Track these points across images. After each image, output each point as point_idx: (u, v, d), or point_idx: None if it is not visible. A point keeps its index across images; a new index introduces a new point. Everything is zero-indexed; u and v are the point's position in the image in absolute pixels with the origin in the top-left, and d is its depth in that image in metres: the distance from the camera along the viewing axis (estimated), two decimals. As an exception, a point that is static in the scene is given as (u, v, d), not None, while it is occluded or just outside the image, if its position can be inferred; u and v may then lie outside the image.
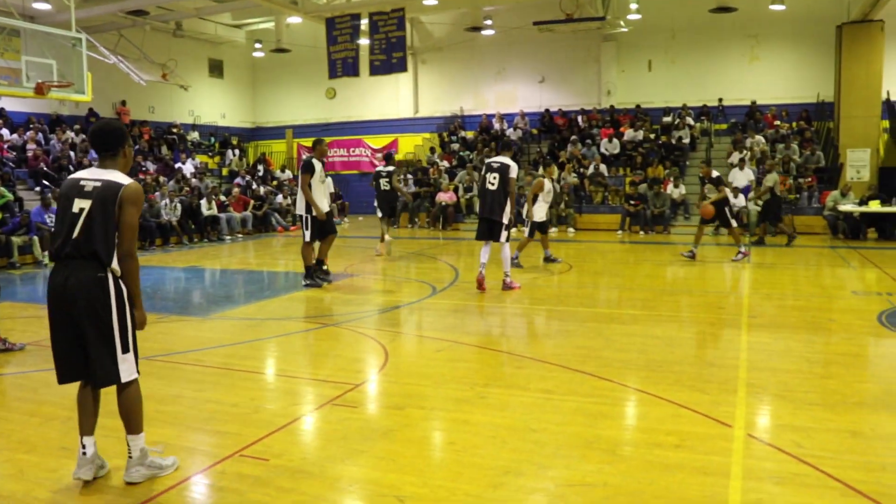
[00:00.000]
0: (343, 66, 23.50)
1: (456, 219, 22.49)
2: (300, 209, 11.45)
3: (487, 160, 11.22)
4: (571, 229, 20.78)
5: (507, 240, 10.87)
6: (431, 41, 29.30)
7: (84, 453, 4.36)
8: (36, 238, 15.77)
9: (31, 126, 22.28)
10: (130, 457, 4.42)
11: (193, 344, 8.07)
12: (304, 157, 13.68)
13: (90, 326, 4.18)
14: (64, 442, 5.09)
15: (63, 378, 4.38)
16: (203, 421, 5.45)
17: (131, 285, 4.33)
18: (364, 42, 23.54)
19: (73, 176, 4.40)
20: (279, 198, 24.25)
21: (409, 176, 24.92)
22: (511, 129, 26.74)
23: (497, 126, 27.24)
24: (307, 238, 11.42)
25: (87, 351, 4.24)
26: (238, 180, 24.42)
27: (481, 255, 10.94)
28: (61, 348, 4.31)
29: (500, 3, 25.18)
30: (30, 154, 20.74)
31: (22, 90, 13.52)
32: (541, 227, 13.93)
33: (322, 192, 11.39)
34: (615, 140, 24.16)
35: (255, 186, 24.45)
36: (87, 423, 4.43)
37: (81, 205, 4.18)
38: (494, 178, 10.65)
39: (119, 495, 4.23)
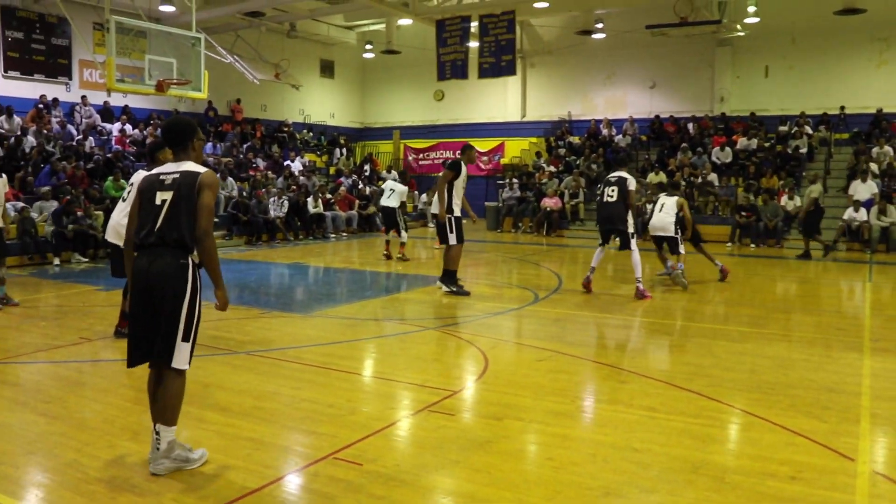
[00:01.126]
0: (452, 69, 23.51)
1: (561, 225, 22.16)
2: (435, 209, 11.19)
3: (607, 177, 11.42)
4: (679, 239, 20.17)
5: (632, 247, 11.06)
6: (541, 44, 29.01)
7: (156, 446, 4.48)
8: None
9: (152, 122, 23.15)
10: (157, 448, 4.44)
11: (293, 341, 8.13)
12: (450, 160, 13.56)
13: (163, 309, 4.36)
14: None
15: (131, 358, 4.51)
16: (299, 420, 5.43)
17: (211, 264, 4.43)
18: (473, 44, 23.48)
19: (151, 172, 4.66)
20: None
21: (515, 180, 24.70)
22: (619, 136, 26.21)
23: (605, 132, 26.74)
24: (453, 241, 11.06)
25: (154, 328, 4.40)
26: (344, 179, 24.74)
27: (594, 259, 11.33)
28: (137, 331, 4.46)
29: (613, 6, 24.74)
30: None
31: (144, 87, 14.03)
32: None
33: (458, 197, 11.11)
34: (727, 148, 23.33)
35: (360, 186, 24.72)
36: (159, 411, 4.53)
37: (164, 196, 4.40)
38: (613, 190, 10.93)
39: (211, 491, 4.23)
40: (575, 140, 27.17)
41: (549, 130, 28.70)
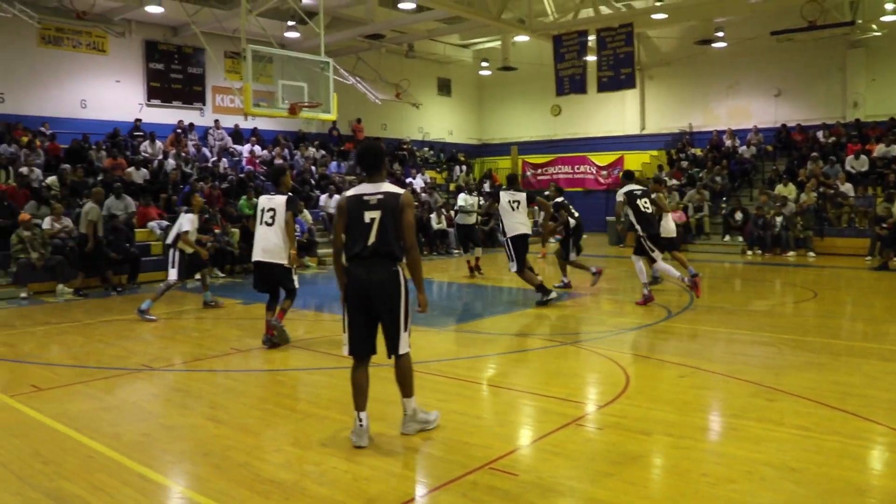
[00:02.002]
0: (570, 83, 23.53)
1: (685, 239, 21.74)
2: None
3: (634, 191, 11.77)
4: (811, 253, 19.45)
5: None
6: (659, 56, 28.64)
7: (361, 425, 5.28)
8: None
9: (279, 143, 24.09)
10: (405, 414, 5.45)
11: (434, 354, 8.33)
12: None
13: (384, 310, 5.25)
14: (323, 438, 5.41)
15: (353, 351, 5.35)
16: (451, 431, 5.58)
17: (416, 272, 5.33)
18: (591, 58, 23.44)
19: (352, 193, 5.30)
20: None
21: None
22: (743, 146, 25.53)
23: (728, 143, 26.10)
24: (513, 268, 11.77)
25: (375, 331, 5.34)
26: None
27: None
28: (357, 328, 5.30)
29: (734, 14, 24.17)
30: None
31: (278, 111, 14.65)
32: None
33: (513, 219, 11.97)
34: (863, 156, 22.31)
35: (481, 202, 24.90)
36: (361, 400, 5.33)
37: (371, 215, 5.15)
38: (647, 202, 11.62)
39: (375, 495, 4.42)
40: (697, 152, 26.62)
41: (670, 143, 28.24)
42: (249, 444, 5.32)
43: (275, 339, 8.66)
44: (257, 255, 8.71)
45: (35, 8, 19.29)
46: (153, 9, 20.29)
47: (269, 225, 8.69)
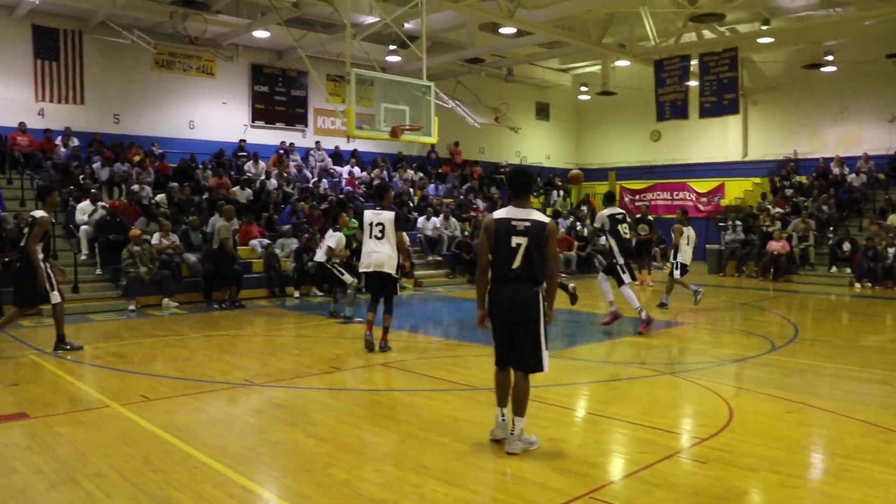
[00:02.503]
0: (672, 109, 23.20)
1: (789, 269, 21.04)
2: None
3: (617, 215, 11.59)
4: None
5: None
6: (763, 80, 27.91)
7: (503, 419, 5.77)
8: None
9: (378, 165, 24.48)
10: (513, 433, 5.59)
11: (531, 380, 8.24)
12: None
13: (525, 329, 5.56)
14: (422, 460, 5.41)
15: (499, 363, 5.76)
16: (551, 457, 5.51)
17: (552, 296, 5.73)
18: (693, 83, 23.06)
19: (500, 216, 5.58)
20: (602, 239, 24.28)
21: (738, 222, 23.78)
22: (852, 174, 24.55)
23: (836, 170, 25.15)
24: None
25: (516, 346, 5.62)
26: (562, 221, 24.89)
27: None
28: (501, 344, 5.68)
29: (845, 37, 23.43)
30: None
31: (380, 133, 14.89)
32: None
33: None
34: None
35: (578, 227, 24.74)
36: (504, 398, 5.76)
37: (518, 241, 5.47)
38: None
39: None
40: (802, 180, 25.74)
41: (774, 170, 27.40)
42: (350, 463, 5.37)
43: (385, 347, 9.77)
44: (367, 267, 9.57)
45: (151, 34, 20.24)
46: (260, 33, 21.03)
47: (378, 238, 9.50)
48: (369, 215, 9.64)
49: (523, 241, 5.44)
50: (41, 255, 9.44)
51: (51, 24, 19.89)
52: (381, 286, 9.66)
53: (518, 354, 5.61)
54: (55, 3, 18.46)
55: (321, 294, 16.37)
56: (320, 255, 13.55)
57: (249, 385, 7.91)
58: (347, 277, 13.15)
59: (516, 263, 5.46)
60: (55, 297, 9.58)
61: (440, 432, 6.09)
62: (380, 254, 9.47)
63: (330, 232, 13.69)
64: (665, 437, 6.15)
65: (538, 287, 5.57)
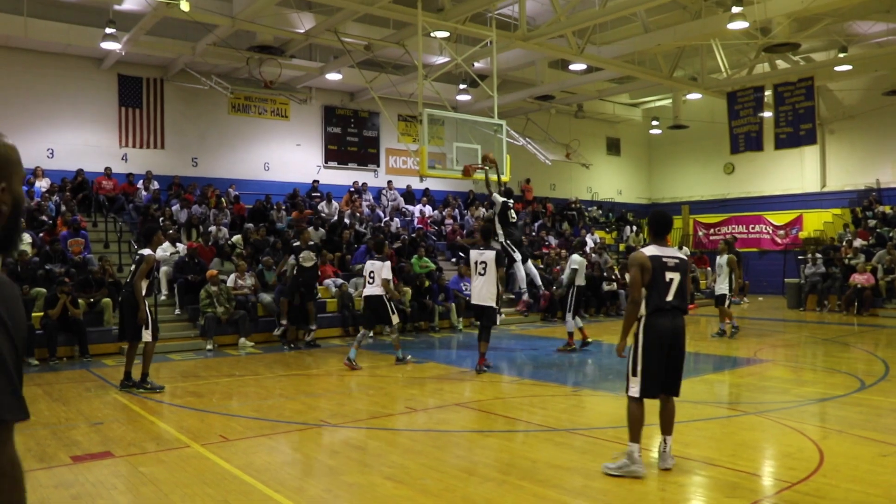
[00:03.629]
0: (745, 141, 22.79)
1: (874, 303, 20.28)
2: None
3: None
4: None
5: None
6: (841, 109, 27.23)
7: (664, 450, 6.10)
8: (453, 305, 17.20)
9: (450, 203, 24.59)
10: (664, 451, 6.11)
11: (610, 420, 8.08)
12: None
13: (681, 355, 6.11)
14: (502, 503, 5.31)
15: (647, 393, 5.99)
16: (633, 502, 5.35)
17: None
18: (767, 115, 22.63)
19: (652, 254, 6.01)
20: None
21: (818, 255, 23.05)
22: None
23: (922, 200, 24.28)
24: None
25: (672, 371, 6.07)
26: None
27: None
28: (654, 372, 5.96)
29: (926, 62, 22.74)
30: (448, 228, 22.89)
31: (452, 172, 14.94)
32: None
33: None
34: None
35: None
36: (639, 432, 5.96)
37: (671, 276, 6.00)
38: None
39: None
40: (886, 209, 24.89)
41: (855, 200, 26.59)
42: (428, 506, 5.31)
43: (485, 368, 11.18)
44: (473, 300, 11.60)
45: (228, 79, 20.85)
46: (333, 76, 21.46)
47: (481, 275, 11.25)
48: (475, 255, 11.44)
49: (675, 276, 6.00)
50: (144, 292, 9.84)
51: (135, 73, 20.71)
52: (480, 317, 11.59)
53: (674, 379, 6.08)
54: (139, 52, 19.21)
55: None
56: (375, 289, 12.04)
57: (325, 425, 7.93)
58: (395, 317, 12.23)
59: (670, 296, 5.97)
60: (147, 335, 9.82)
61: (518, 475, 5.99)
62: (481, 289, 11.29)
63: (379, 262, 12.13)
64: (751, 480, 5.93)
65: (684, 317, 6.16)
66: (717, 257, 15.13)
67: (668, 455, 6.10)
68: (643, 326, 5.99)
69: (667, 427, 6.16)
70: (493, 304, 11.27)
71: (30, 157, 18.23)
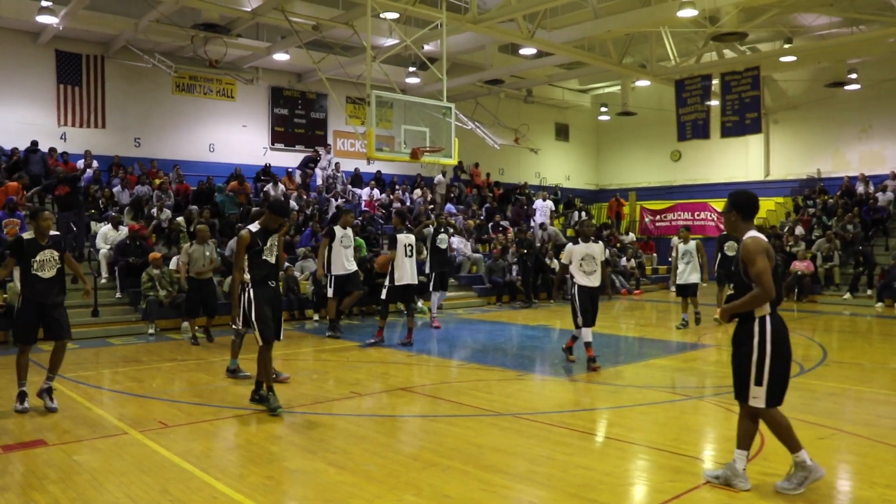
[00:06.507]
0: (693, 129, 23.02)
1: (813, 290, 20.71)
2: None
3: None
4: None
5: None
6: (785, 99, 27.69)
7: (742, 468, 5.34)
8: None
9: (398, 186, 24.43)
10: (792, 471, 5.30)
11: (556, 405, 8.10)
12: None
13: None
14: (445, 489, 5.24)
15: (779, 400, 5.36)
16: (577, 487, 5.34)
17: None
18: (714, 103, 22.89)
19: (757, 234, 5.23)
20: (623, 260, 24.08)
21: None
22: (880, 193, 24.18)
23: (861, 189, 24.81)
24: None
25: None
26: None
27: None
28: (784, 376, 5.33)
29: (870, 55, 23.21)
30: (393, 210, 22.73)
31: (400, 155, 14.82)
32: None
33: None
34: None
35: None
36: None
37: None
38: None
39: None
40: (827, 199, 25.39)
41: (797, 189, 27.12)
42: (372, 492, 5.23)
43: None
44: (406, 280, 12.26)
45: (172, 58, 20.38)
46: (280, 56, 21.10)
47: (409, 256, 12.30)
48: (402, 238, 12.30)
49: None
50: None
51: (74, 49, 20.09)
52: (411, 295, 12.74)
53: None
54: (78, 28, 18.62)
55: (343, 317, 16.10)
56: (413, 276, 12.58)
57: (268, 411, 7.78)
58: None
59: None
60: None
61: (463, 460, 5.94)
62: (413, 269, 12.47)
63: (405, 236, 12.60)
64: (695, 464, 5.98)
65: None
66: (680, 245, 14.68)
67: (743, 473, 5.34)
68: (770, 326, 5.14)
69: (746, 440, 5.44)
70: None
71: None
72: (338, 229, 13.07)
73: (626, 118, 28.57)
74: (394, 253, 12.35)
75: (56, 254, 7.82)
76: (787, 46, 22.02)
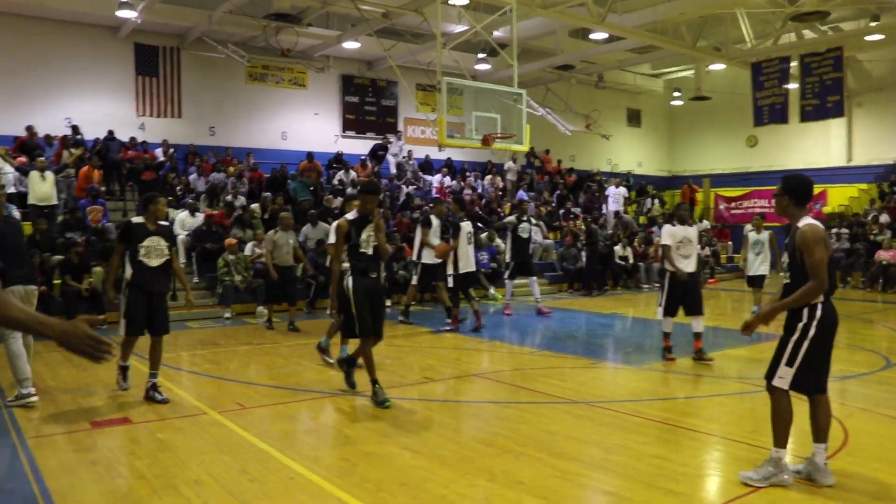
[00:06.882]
0: (770, 113, 22.44)
1: (903, 280, 19.92)
2: None
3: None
4: None
5: None
6: (870, 81, 26.71)
7: (823, 462, 5.12)
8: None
9: (468, 173, 24.40)
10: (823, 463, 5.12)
11: (630, 393, 7.99)
12: None
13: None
14: (519, 475, 5.22)
15: (804, 389, 5.13)
16: (653, 476, 5.25)
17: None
18: (793, 86, 22.23)
19: (814, 222, 5.05)
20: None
21: (844, 230, 22.67)
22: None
23: (950, 174, 23.81)
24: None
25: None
26: (655, 229, 24.31)
27: None
28: (821, 367, 5.11)
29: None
30: (466, 198, 22.70)
31: (472, 142, 14.78)
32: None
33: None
34: None
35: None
36: (821, 432, 5.19)
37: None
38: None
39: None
40: (912, 185, 24.45)
41: (882, 175, 26.11)
42: (446, 478, 5.24)
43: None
44: (470, 268, 12.69)
45: (245, 48, 20.73)
46: (350, 44, 21.24)
47: (470, 244, 12.64)
48: (465, 226, 12.55)
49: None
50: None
51: (151, 42, 20.63)
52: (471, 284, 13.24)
53: (827, 372, 5.20)
54: (155, 21, 19.13)
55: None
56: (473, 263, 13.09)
57: (342, 395, 7.88)
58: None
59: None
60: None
61: (536, 447, 5.91)
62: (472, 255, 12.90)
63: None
64: (775, 456, 5.81)
65: None
66: (752, 234, 14.27)
67: (825, 468, 5.14)
68: (821, 315, 4.97)
69: (822, 433, 5.18)
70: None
71: (49, 127, 18.27)
72: (433, 218, 12.77)
73: (700, 103, 27.95)
74: (456, 242, 12.32)
75: (164, 243, 7.64)
76: (873, 24, 21.16)
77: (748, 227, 14.88)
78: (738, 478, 5.10)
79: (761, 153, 29.83)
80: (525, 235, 14.72)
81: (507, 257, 14.87)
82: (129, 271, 7.58)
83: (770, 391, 5.16)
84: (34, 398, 7.29)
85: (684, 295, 9.55)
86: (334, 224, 7.62)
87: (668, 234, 9.71)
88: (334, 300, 7.39)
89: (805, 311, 5.00)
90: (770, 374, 5.15)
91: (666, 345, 9.81)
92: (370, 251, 7.28)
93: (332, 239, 8.84)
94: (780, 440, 5.11)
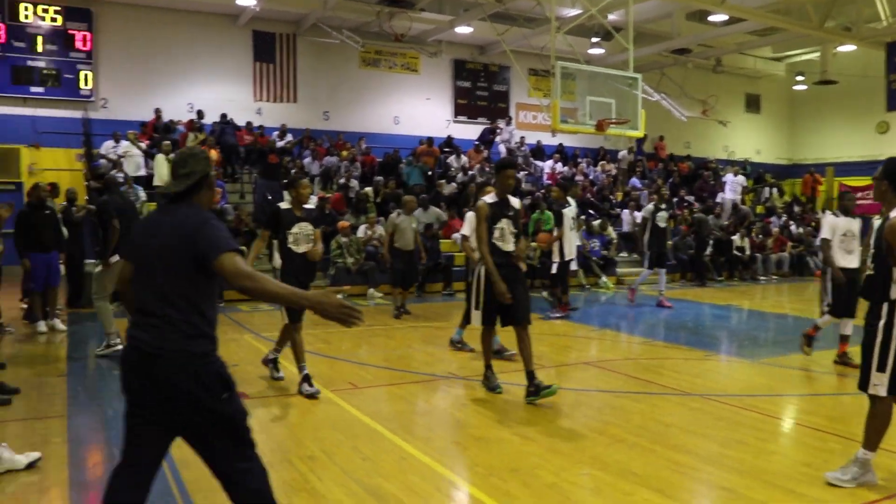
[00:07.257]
0: (904, 97, 21.20)
1: None
2: None
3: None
4: None
5: None
6: None
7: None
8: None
9: (580, 159, 24.08)
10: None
11: (747, 388, 7.73)
12: None
13: None
14: (632, 466, 5.14)
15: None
16: (773, 475, 5.05)
17: None
18: (931, 68, 20.95)
19: None
20: (817, 240, 22.62)
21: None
22: None
23: None
24: None
25: None
26: (774, 219, 23.46)
27: None
28: None
29: None
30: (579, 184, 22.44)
31: (586, 127, 14.59)
32: None
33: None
34: None
35: (793, 226, 23.21)
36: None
37: None
38: None
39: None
40: None
41: None
42: (557, 465, 5.19)
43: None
44: (573, 254, 12.47)
45: (359, 33, 21.03)
46: (463, 29, 21.26)
47: (573, 230, 12.24)
48: (568, 211, 12.14)
49: None
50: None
51: (268, 29, 21.22)
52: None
53: None
54: (273, 9, 19.67)
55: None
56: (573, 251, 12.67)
57: (454, 378, 7.92)
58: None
59: None
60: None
61: (650, 438, 5.78)
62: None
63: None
64: (907, 460, 5.51)
65: None
66: (876, 223, 13.44)
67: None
68: None
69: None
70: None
71: (173, 113, 19.11)
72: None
73: (825, 87, 26.62)
74: (560, 231, 12.07)
75: (311, 228, 7.35)
76: None
77: (875, 219, 14.06)
78: (825, 478, 4.88)
79: (893, 140, 28.25)
80: (663, 225, 13.84)
81: (645, 246, 13.99)
82: (276, 259, 7.51)
83: (869, 396, 4.86)
84: (120, 346, 7.84)
85: (849, 292, 8.30)
86: (476, 206, 7.18)
87: (829, 225, 8.66)
88: (480, 292, 7.08)
89: (885, 308, 4.70)
90: (863, 383, 4.82)
91: (810, 333, 8.98)
92: (509, 245, 6.95)
93: (465, 228, 8.62)
94: (872, 444, 4.83)
